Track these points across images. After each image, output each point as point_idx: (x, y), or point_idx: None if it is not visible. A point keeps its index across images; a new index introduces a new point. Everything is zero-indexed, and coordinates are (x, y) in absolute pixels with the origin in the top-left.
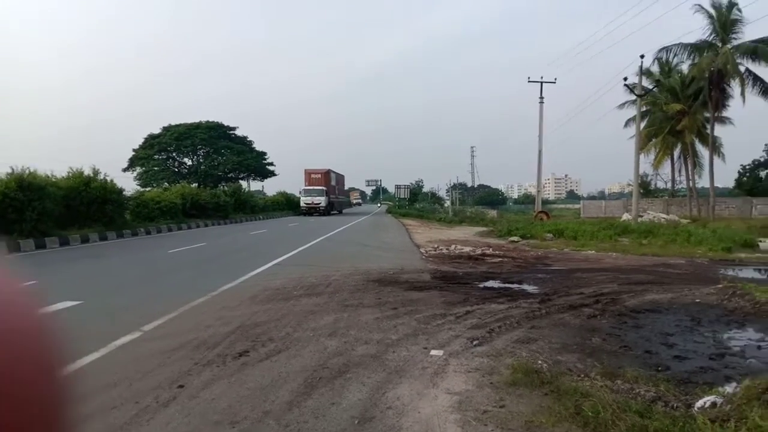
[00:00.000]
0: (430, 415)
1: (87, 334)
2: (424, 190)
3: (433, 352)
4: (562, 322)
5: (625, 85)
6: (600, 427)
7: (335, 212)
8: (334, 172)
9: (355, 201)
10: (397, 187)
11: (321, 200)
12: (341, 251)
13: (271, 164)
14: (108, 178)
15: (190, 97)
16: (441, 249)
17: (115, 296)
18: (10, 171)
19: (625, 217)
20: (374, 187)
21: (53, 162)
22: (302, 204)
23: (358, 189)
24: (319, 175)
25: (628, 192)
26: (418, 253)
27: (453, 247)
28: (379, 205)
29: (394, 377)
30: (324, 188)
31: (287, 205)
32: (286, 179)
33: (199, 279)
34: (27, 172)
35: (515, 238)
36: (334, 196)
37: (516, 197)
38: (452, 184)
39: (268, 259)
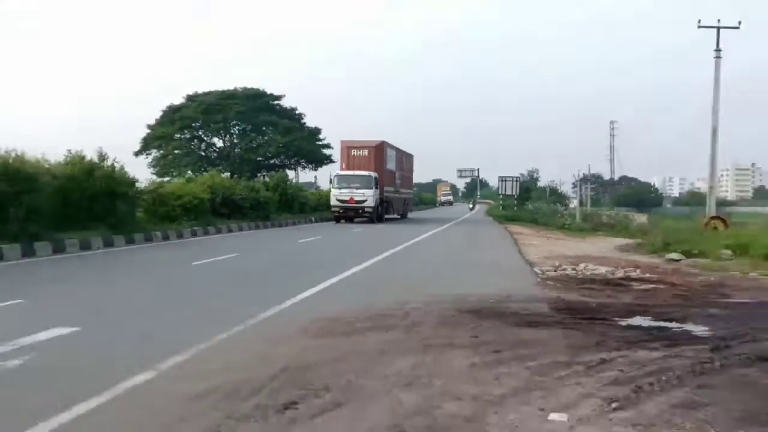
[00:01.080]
0: None
1: (85, 371)
2: (540, 184)
3: (554, 416)
4: (746, 380)
5: None
6: None
7: (394, 215)
8: (392, 146)
9: (443, 198)
10: (502, 179)
11: (367, 196)
12: (423, 269)
13: (328, 146)
14: (117, 165)
15: (223, 54)
16: (564, 269)
17: (121, 322)
18: None
19: None
20: (469, 180)
21: (44, 144)
22: (334, 201)
23: (448, 182)
24: (366, 152)
25: None
26: (532, 275)
27: (582, 266)
28: (471, 206)
29: None
30: (373, 175)
31: None
32: None
33: (232, 302)
34: (12, 155)
35: (676, 256)
36: (391, 190)
37: (677, 195)
38: (582, 175)
39: (323, 277)
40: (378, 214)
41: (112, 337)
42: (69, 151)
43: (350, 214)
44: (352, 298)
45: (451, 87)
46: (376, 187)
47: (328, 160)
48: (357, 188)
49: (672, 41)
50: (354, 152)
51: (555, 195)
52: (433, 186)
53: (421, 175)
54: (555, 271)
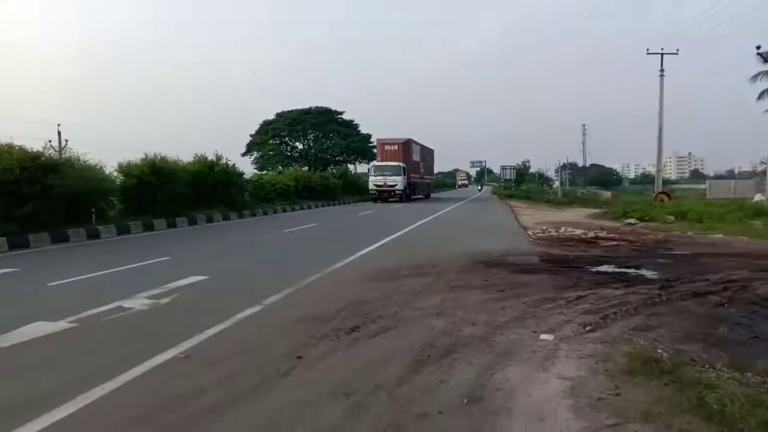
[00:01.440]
0: (541, 399)
1: (213, 306)
2: (531, 170)
3: (543, 336)
4: (685, 309)
5: (758, 53)
6: (726, 421)
7: (420, 196)
8: (417, 143)
9: (461, 182)
10: (503, 168)
11: (397, 181)
12: (446, 233)
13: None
14: (230, 163)
15: (300, 82)
16: (550, 231)
17: (237, 272)
18: (143, 157)
19: (758, 198)
20: (479, 168)
21: (176, 147)
22: (371, 186)
23: (463, 170)
24: (396, 147)
25: (762, 171)
26: (526, 236)
27: (563, 229)
28: (480, 188)
29: (502, 359)
30: (401, 165)
31: None
32: None
33: (312, 257)
34: (158, 157)
35: (632, 221)
36: (416, 176)
37: (633, 177)
38: (561, 164)
39: (375, 239)
40: (406, 195)
41: (231, 283)
42: (196, 154)
43: (384, 195)
44: (396, 253)
45: (470, 99)
46: (404, 174)
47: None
48: (389, 176)
49: (627, 62)
50: (386, 147)
51: (542, 178)
52: (452, 174)
53: (442, 165)
54: (543, 233)
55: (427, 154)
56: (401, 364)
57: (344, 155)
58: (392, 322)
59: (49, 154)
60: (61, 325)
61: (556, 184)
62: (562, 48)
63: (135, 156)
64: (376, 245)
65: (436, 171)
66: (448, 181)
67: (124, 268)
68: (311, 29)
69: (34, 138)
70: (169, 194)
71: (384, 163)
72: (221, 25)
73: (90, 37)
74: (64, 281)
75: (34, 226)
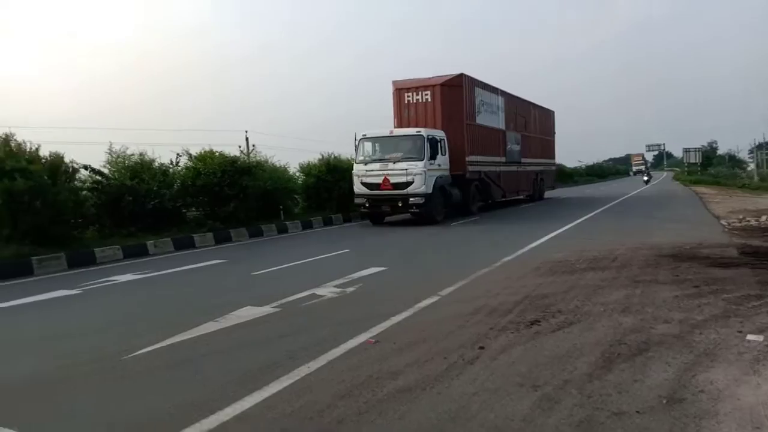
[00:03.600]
0: (753, 404)
1: (394, 295)
2: (719, 152)
3: (751, 337)
4: None
5: None
6: None
7: (514, 195)
8: (493, 88)
9: (635, 167)
10: (686, 150)
11: (412, 174)
12: (623, 223)
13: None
14: None
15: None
16: (748, 220)
17: (411, 264)
18: (320, 157)
19: None
20: (656, 152)
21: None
22: (357, 186)
23: (639, 154)
24: (427, 95)
25: None
26: (719, 226)
27: (764, 218)
28: (646, 178)
29: (704, 360)
30: (422, 133)
31: (558, 176)
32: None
33: (481, 250)
34: (332, 157)
35: None
36: (500, 161)
37: None
38: (757, 143)
39: (545, 231)
40: (436, 208)
41: (407, 274)
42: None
43: (384, 208)
44: (570, 246)
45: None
46: (432, 158)
47: None
48: (395, 162)
49: None
50: (408, 97)
51: (733, 161)
52: (625, 159)
53: (614, 150)
54: (739, 222)
55: (534, 116)
56: (589, 360)
57: None
58: (574, 316)
59: (243, 158)
60: (267, 309)
61: (752, 166)
62: None
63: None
64: (547, 237)
65: (602, 156)
66: (621, 167)
67: (312, 259)
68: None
69: (222, 144)
70: (343, 191)
71: (381, 134)
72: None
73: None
74: (265, 271)
75: (234, 222)
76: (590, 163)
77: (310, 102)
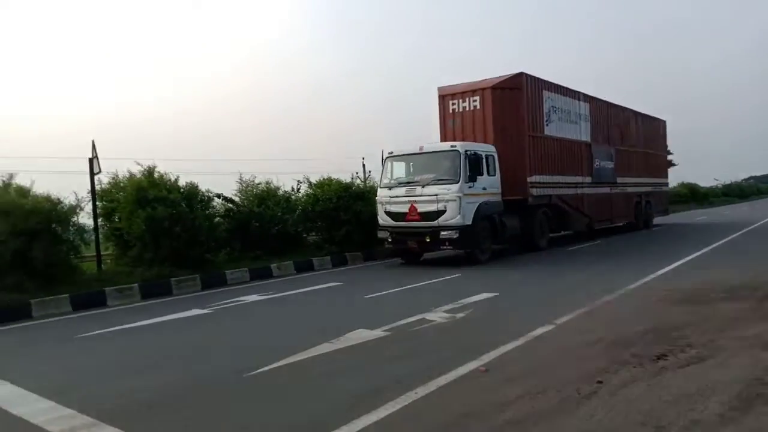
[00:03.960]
0: None
1: (506, 322)
2: None
3: None
4: None
5: None
6: None
7: (607, 223)
8: (570, 91)
9: None
10: None
11: (445, 199)
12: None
13: (669, 152)
14: None
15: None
16: None
17: (524, 290)
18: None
19: None
20: None
21: None
22: (381, 216)
23: None
24: (476, 101)
25: None
26: None
27: None
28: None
29: None
30: (459, 148)
31: (692, 197)
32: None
33: (601, 276)
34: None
35: None
36: (584, 181)
37: None
38: None
39: (675, 258)
40: (477, 243)
41: (520, 300)
42: None
43: (411, 244)
44: (702, 274)
45: None
46: (472, 179)
47: (670, 164)
48: (423, 186)
49: None
50: (454, 105)
51: None
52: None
53: (757, 166)
54: None
55: (635, 127)
56: (722, 399)
57: None
58: (706, 351)
59: (357, 183)
60: (378, 333)
61: None
62: None
63: None
64: (676, 264)
65: (741, 175)
66: (763, 186)
67: (423, 283)
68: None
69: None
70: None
71: (411, 152)
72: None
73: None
74: (376, 294)
75: (350, 246)
76: (727, 182)
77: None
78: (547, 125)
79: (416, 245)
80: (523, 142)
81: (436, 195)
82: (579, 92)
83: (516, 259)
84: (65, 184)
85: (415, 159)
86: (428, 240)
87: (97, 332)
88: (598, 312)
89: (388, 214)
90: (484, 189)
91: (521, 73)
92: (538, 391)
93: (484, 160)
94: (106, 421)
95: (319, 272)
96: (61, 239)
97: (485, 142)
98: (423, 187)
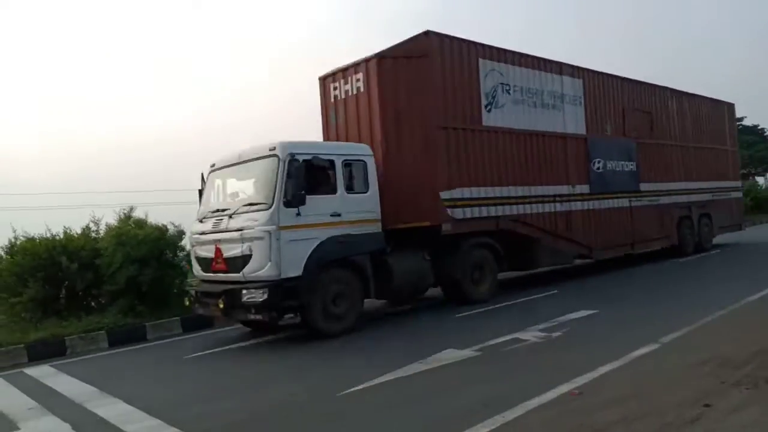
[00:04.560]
0: None
1: (605, 342)
2: None
3: None
4: None
5: None
6: None
7: (610, 253)
8: (560, 65)
9: None
10: None
11: (249, 238)
12: None
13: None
14: None
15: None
16: None
17: (627, 306)
18: None
19: None
20: None
21: None
22: (191, 249)
23: None
24: (360, 75)
25: None
26: None
27: None
28: None
29: None
30: (310, 155)
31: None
32: None
33: (714, 288)
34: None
35: None
36: (581, 192)
37: None
38: None
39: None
40: (306, 311)
41: (622, 318)
42: None
43: (213, 310)
44: None
45: None
46: (295, 202)
47: None
48: (231, 216)
49: None
50: (335, 90)
51: None
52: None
53: None
54: None
55: (676, 112)
56: None
57: (749, 167)
58: None
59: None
60: (468, 353)
61: None
62: None
63: None
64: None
65: None
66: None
67: (517, 301)
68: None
69: None
70: None
71: (231, 160)
72: None
73: None
74: (467, 313)
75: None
76: None
77: None
78: (489, 111)
79: (218, 310)
80: (435, 138)
81: (240, 230)
82: (560, 63)
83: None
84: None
85: (235, 172)
86: (222, 305)
87: (202, 353)
88: (707, 329)
89: (198, 260)
90: (337, 216)
91: (427, 33)
92: (637, 416)
93: (338, 169)
94: None
95: None
96: (169, 264)
97: (371, 139)
98: (230, 217)
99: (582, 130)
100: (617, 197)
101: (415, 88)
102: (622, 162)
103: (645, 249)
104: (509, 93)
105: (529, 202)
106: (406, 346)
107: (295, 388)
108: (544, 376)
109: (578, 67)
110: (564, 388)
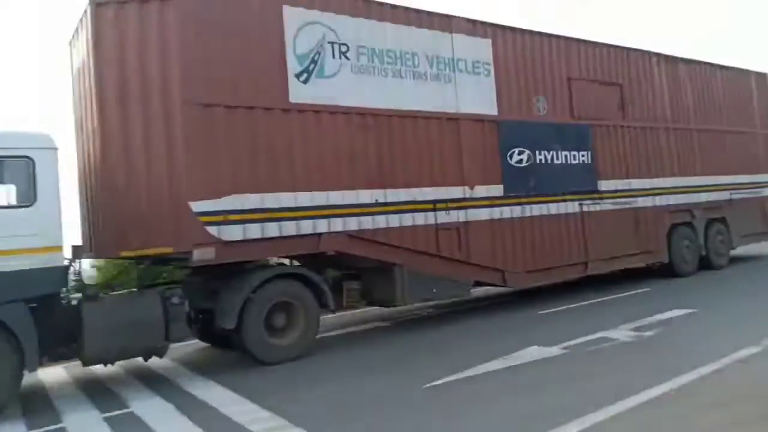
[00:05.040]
0: None
1: (703, 343)
2: None
3: None
4: None
5: None
6: None
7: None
8: (448, 18)
9: None
10: None
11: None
12: None
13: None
14: None
15: None
16: None
17: (728, 306)
18: None
19: None
20: None
21: None
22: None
23: None
24: (84, 33)
25: None
26: None
27: None
28: None
29: None
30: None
31: None
32: None
33: None
34: None
35: None
36: (446, 196)
37: None
38: None
39: None
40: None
41: (721, 319)
42: None
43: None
44: None
45: None
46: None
47: None
48: None
49: None
50: (76, 56)
51: None
52: None
53: None
54: None
55: (668, 84)
56: None
57: None
58: None
59: None
60: (554, 350)
61: None
62: None
63: None
64: None
65: None
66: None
67: (607, 298)
68: None
69: None
70: None
71: None
72: None
73: None
74: (551, 310)
75: None
76: None
77: None
78: (305, 83)
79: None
80: (184, 120)
81: None
82: (449, 17)
83: None
84: None
85: None
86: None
87: None
88: None
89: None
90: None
91: None
92: (740, 420)
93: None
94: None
95: None
96: None
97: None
98: None
99: (491, 109)
100: (557, 201)
101: (157, 48)
102: (566, 153)
103: (609, 269)
104: (346, 57)
105: (382, 212)
106: (490, 343)
107: (381, 377)
108: (637, 377)
109: (484, 23)
110: (658, 390)
